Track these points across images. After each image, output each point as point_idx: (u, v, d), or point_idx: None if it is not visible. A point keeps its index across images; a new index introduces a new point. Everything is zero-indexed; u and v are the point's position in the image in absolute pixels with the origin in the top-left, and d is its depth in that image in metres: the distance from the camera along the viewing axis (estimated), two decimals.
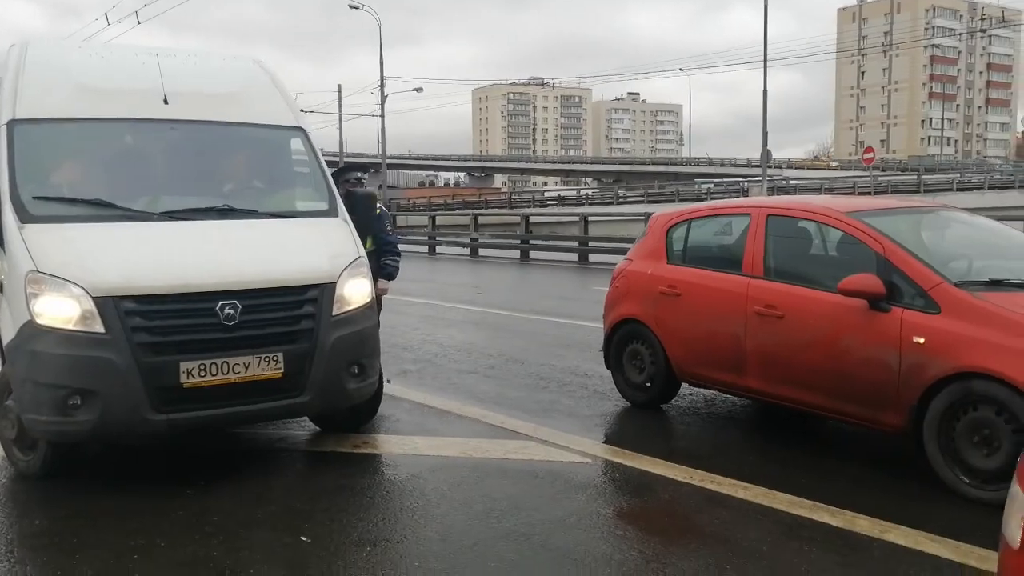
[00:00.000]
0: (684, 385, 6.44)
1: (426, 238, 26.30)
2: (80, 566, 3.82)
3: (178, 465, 5.32)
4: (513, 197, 60.45)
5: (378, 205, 6.73)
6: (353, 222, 5.84)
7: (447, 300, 13.50)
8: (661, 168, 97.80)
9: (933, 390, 4.54)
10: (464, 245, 24.17)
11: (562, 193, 61.80)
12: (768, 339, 5.42)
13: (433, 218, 28.41)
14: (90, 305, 4.52)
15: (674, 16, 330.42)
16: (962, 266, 4.98)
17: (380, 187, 54.79)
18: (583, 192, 61.89)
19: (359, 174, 7.06)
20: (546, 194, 61.39)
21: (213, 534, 4.13)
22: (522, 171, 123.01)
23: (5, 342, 4.87)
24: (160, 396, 4.58)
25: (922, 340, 4.58)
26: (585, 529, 4.17)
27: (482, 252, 23.65)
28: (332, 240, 5.47)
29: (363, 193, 6.29)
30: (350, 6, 50.13)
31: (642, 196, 50.11)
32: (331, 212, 5.74)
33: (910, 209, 6.12)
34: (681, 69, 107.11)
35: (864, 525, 4.15)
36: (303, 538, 4.08)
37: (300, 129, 6.14)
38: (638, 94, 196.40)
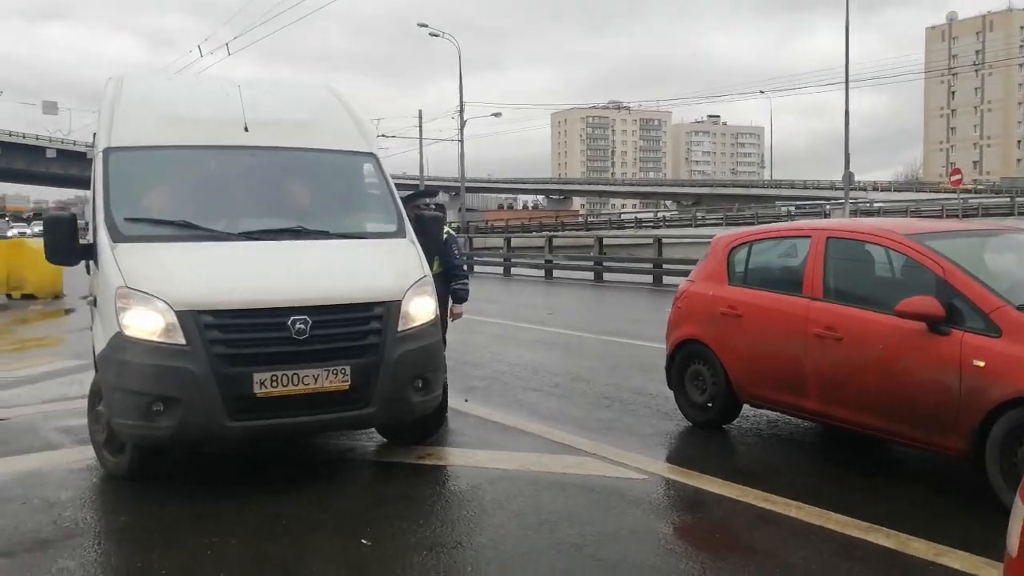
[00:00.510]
0: (749, 407, 6.45)
1: (501, 260, 26.61)
2: (158, 561, 4.09)
3: (254, 471, 5.60)
4: (590, 219, 60.41)
5: (447, 230, 6.97)
6: (421, 244, 6.10)
7: (518, 320, 13.70)
8: (741, 191, 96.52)
9: (994, 414, 4.49)
10: (538, 267, 24.37)
11: (639, 215, 61.64)
12: (827, 361, 5.42)
13: (508, 240, 28.76)
14: (173, 318, 4.84)
15: (756, 38, 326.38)
16: None
17: (460, 209, 55.61)
18: (660, 214, 61.56)
19: (428, 200, 7.32)
20: (623, 216, 61.22)
21: (281, 535, 4.37)
22: (600, 194, 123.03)
23: (97, 352, 5.25)
24: (235, 405, 4.86)
25: (982, 364, 4.53)
26: (636, 542, 4.26)
27: (556, 274, 23.81)
28: (399, 260, 5.71)
29: (430, 216, 6.53)
30: (430, 34, 51.23)
31: (721, 219, 49.59)
32: (399, 233, 5.99)
33: (973, 232, 6.05)
34: (762, 91, 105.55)
35: (919, 547, 4.13)
36: (364, 541, 4.28)
37: (372, 155, 6.43)
38: (719, 116, 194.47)
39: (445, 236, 6.89)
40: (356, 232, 5.96)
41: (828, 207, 47.81)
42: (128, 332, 4.90)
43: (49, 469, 5.65)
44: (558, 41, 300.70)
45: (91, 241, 5.70)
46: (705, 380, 6.44)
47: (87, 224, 6.57)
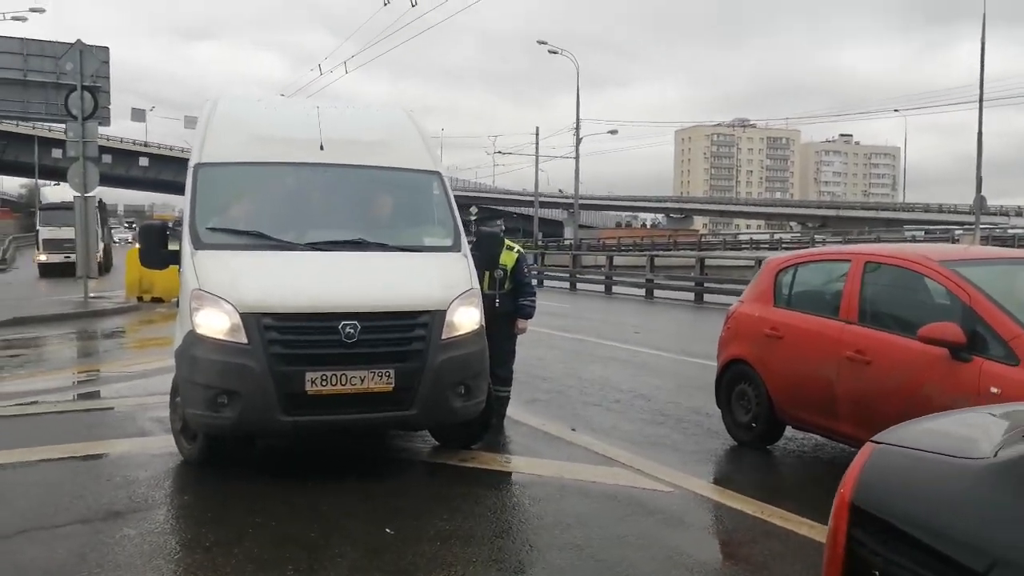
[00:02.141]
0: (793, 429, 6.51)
1: (603, 278, 26.77)
2: (206, 535, 4.62)
3: (310, 464, 6.11)
4: (706, 239, 59.59)
5: (517, 249, 7.32)
6: (476, 258, 6.49)
7: (602, 337, 13.90)
8: (870, 213, 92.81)
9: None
10: (639, 286, 24.41)
11: (754, 237, 60.30)
12: (857, 384, 5.47)
13: (610, 259, 28.87)
14: (237, 319, 5.39)
15: (893, 54, 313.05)
16: None
17: (580, 226, 55.85)
18: (776, 236, 60.05)
19: (498, 221, 7.71)
20: (739, 237, 60.05)
21: (316, 520, 4.82)
22: (722, 213, 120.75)
23: (175, 348, 5.88)
24: (288, 400, 5.35)
25: (998, 391, 4.53)
26: (638, 548, 4.48)
27: (658, 293, 23.78)
28: (449, 272, 6.10)
29: (487, 232, 6.91)
30: (549, 51, 51.92)
31: (840, 242, 47.97)
32: (454, 248, 6.40)
33: (1014, 260, 5.93)
34: (896, 109, 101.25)
35: None
36: (388, 530, 4.68)
37: (436, 173, 6.88)
38: (851, 135, 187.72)
39: (516, 255, 7.25)
40: (413, 245, 6.39)
41: (958, 233, 45.59)
42: (199, 330, 5.48)
43: (136, 453, 6.33)
44: (685, 58, 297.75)
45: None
46: (750, 400, 6.55)
47: None
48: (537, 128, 58.22)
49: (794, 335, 6.12)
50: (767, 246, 51.83)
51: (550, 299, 21.50)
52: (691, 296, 22.47)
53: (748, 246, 53.73)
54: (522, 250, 7.62)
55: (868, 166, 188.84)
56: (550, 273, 30.57)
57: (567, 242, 56.10)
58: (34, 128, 64.37)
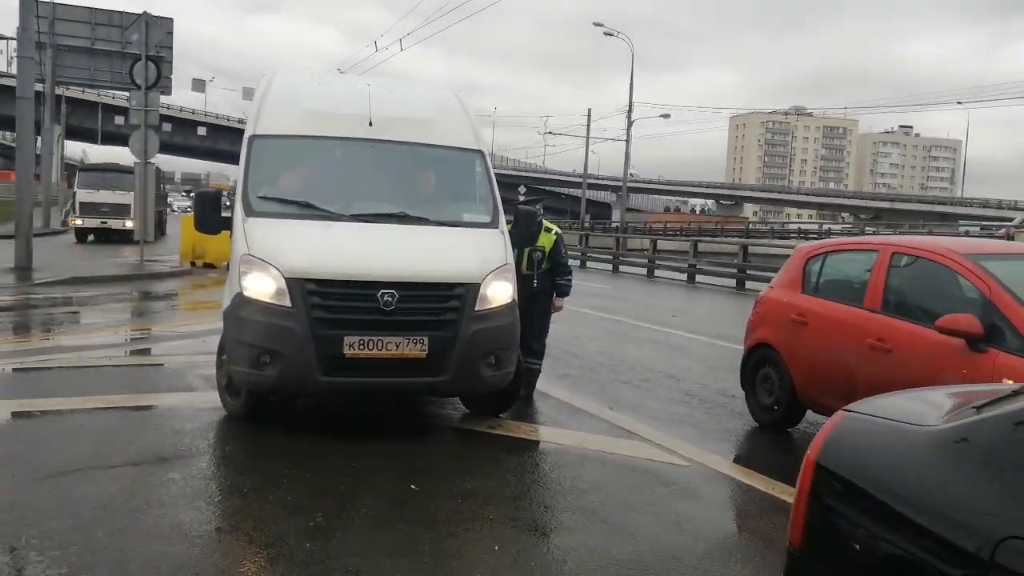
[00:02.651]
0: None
1: (645, 261, 26.82)
2: (243, 482, 4.96)
3: (349, 424, 6.42)
4: (752, 227, 59.01)
5: (555, 230, 7.55)
6: (513, 235, 6.73)
7: (639, 319, 14.05)
8: (925, 207, 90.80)
9: None
10: (681, 270, 24.43)
11: (802, 226, 59.57)
12: (877, 372, 5.59)
13: (654, 243, 28.89)
14: (282, 284, 5.69)
15: (960, 45, 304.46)
16: None
17: (628, 210, 55.68)
18: (826, 227, 59.30)
19: (539, 204, 7.91)
20: (787, 226, 59.37)
21: (348, 474, 5.12)
22: (773, 202, 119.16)
23: (223, 309, 6.21)
24: (327, 362, 5.65)
25: (1010, 383, 4.63)
26: (648, 513, 4.70)
27: (700, 279, 23.79)
28: (485, 247, 6.34)
29: (524, 210, 7.13)
30: (605, 33, 51.70)
31: (889, 234, 47.16)
32: (493, 224, 6.63)
33: None
34: (959, 102, 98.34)
35: None
36: (413, 486, 4.96)
37: (479, 152, 7.10)
38: (911, 127, 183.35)
39: (555, 237, 7.48)
40: (453, 220, 6.63)
41: (1013, 229, 44.55)
42: (247, 293, 5.80)
43: (184, 406, 6.71)
44: (743, 44, 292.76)
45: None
46: (773, 383, 6.70)
47: None
48: (589, 110, 58.10)
49: (819, 321, 6.25)
50: (815, 236, 51.07)
51: (591, 280, 21.66)
52: (733, 283, 22.46)
53: (796, 235, 53.08)
54: (560, 232, 7.83)
55: (927, 159, 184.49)
56: (593, 255, 30.66)
57: (614, 225, 56.02)
58: (99, 95, 66.04)
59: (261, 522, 4.31)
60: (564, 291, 7.67)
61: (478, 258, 6.19)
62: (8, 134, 77.76)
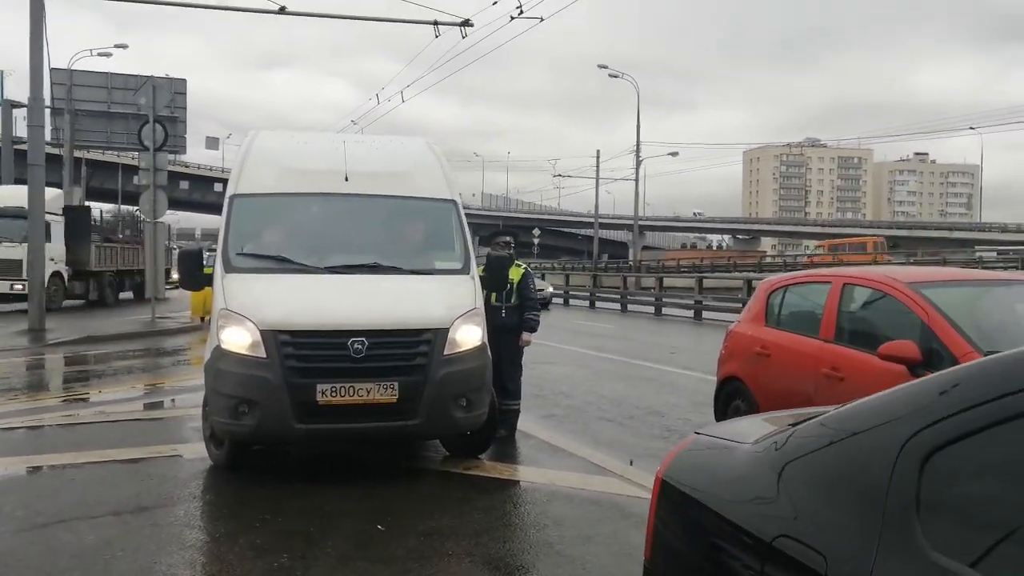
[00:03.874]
0: None
1: (652, 299, 26.98)
2: (219, 528, 5.20)
3: (325, 470, 6.63)
4: (766, 260, 59.05)
5: (524, 268, 7.81)
6: (487, 279, 6.98)
7: (635, 358, 14.21)
8: (944, 233, 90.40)
9: None
10: (688, 307, 24.56)
11: (814, 258, 59.55)
12: (832, 399, 5.70)
13: (660, 280, 29.08)
14: (257, 336, 5.96)
15: (969, 72, 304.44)
16: (1007, 339, 5.06)
17: (643, 248, 55.86)
18: (839, 257, 59.16)
19: (507, 238, 8.21)
20: (798, 259, 59.32)
21: (319, 517, 5.32)
22: (790, 234, 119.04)
23: (204, 362, 6.48)
24: (302, 410, 5.89)
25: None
26: (603, 545, 4.87)
27: (707, 315, 23.90)
28: (455, 293, 6.59)
29: (495, 256, 7.40)
30: (610, 75, 52.39)
31: (904, 263, 47.02)
32: (464, 271, 6.89)
33: (985, 282, 6.13)
34: (972, 127, 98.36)
35: None
36: (380, 527, 5.15)
37: (452, 202, 7.39)
38: (926, 154, 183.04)
39: (523, 271, 7.74)
40: (425, 268, 6.90)
41: None
42: (224, 345, 6.07)
43: (171, 457, 6.97)
44: (752, 80, 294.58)
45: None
46: (742, 415, 6.84)
47: None
48: (598, 151, 58.58)
49: (780, 353, 6.42)
50: (827, 266, 50.89)
51: (598, 320, 21.86)
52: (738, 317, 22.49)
53: (807, 267, 52.79)
54: (527, 267, 8.09)
55: (945, 185, 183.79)
56: (602, 295, 30.85)
57: (628, 263, 56.26)
58: (118, 156, 67.57)
59: (228, 565, 4.52)
60: (531, 326, 7.87)
61: (447, 304, 6.43)
62: None
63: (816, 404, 5.88)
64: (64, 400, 10.26)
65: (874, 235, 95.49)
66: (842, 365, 5.71)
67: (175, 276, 26.57)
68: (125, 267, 27.55)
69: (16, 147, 40.63)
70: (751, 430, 2.31)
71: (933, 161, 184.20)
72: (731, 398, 7.04)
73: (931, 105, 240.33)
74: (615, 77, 52.69)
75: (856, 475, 1.74)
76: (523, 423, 7.96)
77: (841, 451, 1.85)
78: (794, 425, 2.11)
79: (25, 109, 20.95)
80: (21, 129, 43.44)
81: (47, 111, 21.83)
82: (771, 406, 6.46)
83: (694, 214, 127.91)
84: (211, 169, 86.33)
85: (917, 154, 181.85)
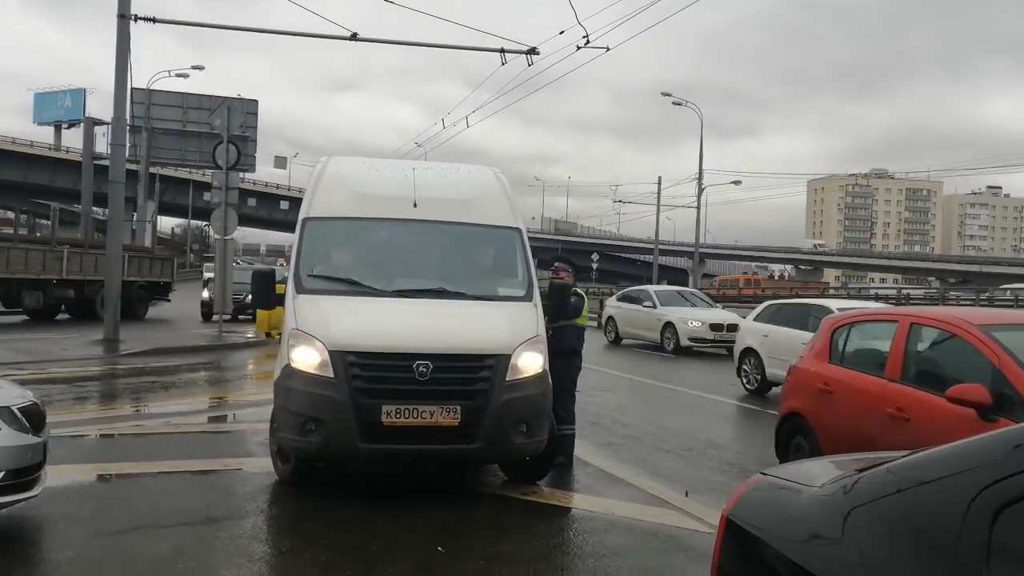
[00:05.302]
0: None
1: None
2: (283, 541, 5.36)
3: (385, 489, 6.76)
4: (829, 292, 57.91)
5: (577, 291, 7.89)
6: (548, 306, 7.08)
7: (694, 387, 14.10)
8: (1017, 270, 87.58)
9: None
10: None
11: (878, 291, 58.23)
12: (896, 442, 5.64)
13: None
14: (326, 356, 6.13)
15: None
16: None
17: (704, 275, 55.44)
18: (904, 291, 57.79)
19: (565, 265, 8.29)
20: (862, 292, 58.00)
21: (381, 535, 5.45)
22: (854, 266, 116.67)
23: (274, 379, 6.68)
24: (366, 430, 6.03)
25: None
26: None
27: None
28: (517, 320, 6.68)
29: (557, 284, 7.49)
30: (673, 103, 52.29)
31: (972, 300, 45.71)
32: (526, 298, 6.99)
33: None
34: None
35: None
36: (440, 548, 5.25)
37: (517, 229, 7.51)
38: (1000, 188, 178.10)
39: (573, 298, 7.81)
40: (488, 295, 7.01)
41: None
42: (293, 364, 6.26)
43: (239, 470, 7.17)
44: (818, 108, 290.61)
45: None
46: (804, 452, 6.78)
47: None
48: (659, 178, 58.36)
49: (843, 390, 6.37)
50: (893, 301, 49.69)
51: (652, 347, 21.70)
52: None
53: (873, 301, 51.56)
54: (584, 295, 8.16)
55: (1019, 219, 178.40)
56: None
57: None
58: (191, 173, 69.75)
59: None
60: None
61: (510, 330, 6.53)
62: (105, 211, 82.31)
63: (880, 444, 5.83)
64: (136, 409, 10.62)
65: (943, 269, 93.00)
66: (908, 406, 5.65)
67: (205, 294, 25.88)
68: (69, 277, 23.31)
69: (96, 162, 42.32)
70: (817, 473, 2.34)
71: (1007, 195, 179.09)
72: (792, 434, 6.99)
73: (1004, 138, 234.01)
74: (678, 105, 52.57)
75: (924, 525, 1.78)
76: (581, 451, 7.99)
77: (909, 499, 1.88)
78: (861, 471, 2.14)
79: (105, 126, 21.75)
80: (100, 145, 45.24)
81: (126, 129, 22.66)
82: (833, 444, 6.41)
83: (815, 246, 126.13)
84: (278, 187, 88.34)
85: (990, 187, 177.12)
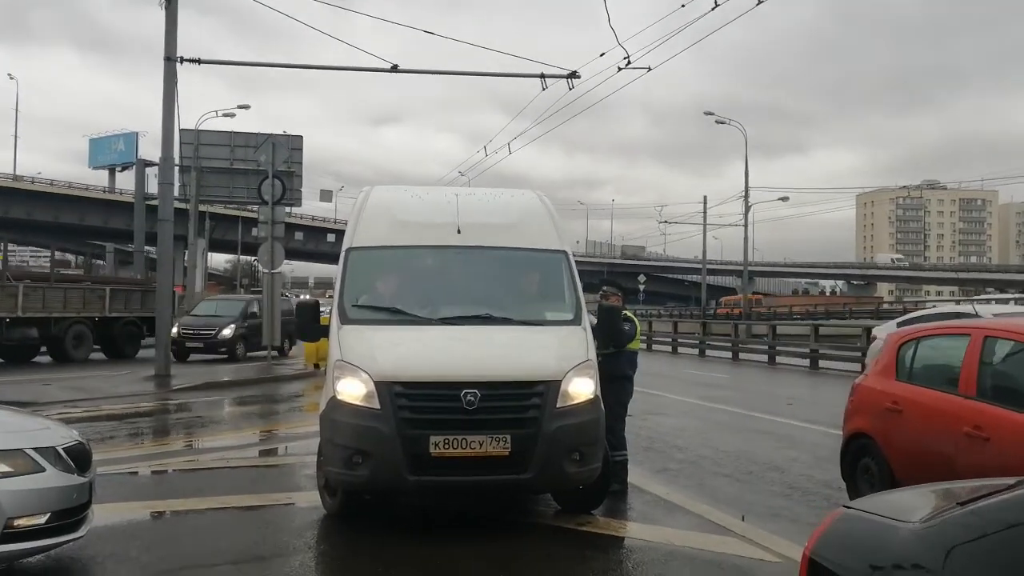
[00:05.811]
0: None
1: (766, 347, 26.13)
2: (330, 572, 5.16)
3: (435, 522, 6.57)
4: (884, 307, 56.60)
5: (626, 314, 7.65)
6: (596, 329, 6.86)
7: (751, 409, 13.71)
8: None
9: None
10: (803, 356, 23.67)
11: (937, 303, 56.70)
12: (976, 461, 5.33)
13: (773, 328, 28.13)
14: (372, 387, 5.98)
15: None
16: None
17: (752, 294, 54.53)
18: (961, 303, 56.27)
19: (614, 288, 8.07)
20: (918, 305, 56.48)
21: (432, 570, 5.27)
22: (907, 279, 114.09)
23: (320, 411, 6.56)
24: (414, 461, 5.85)
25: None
26: None
27: (823, 364, 22.95)
28: (566, 345, 6.48)
29: (607, 306, 7.27)
30: (716, 121, 51.86)
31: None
32: (575, 322, 6.78)
33: None
34: None
35: None
36: None
37: (563, 252, 7.32)
38: None
39: (626, 325, 7.58)
40: (536, 320, 6.82)
41: None
42: (339, 396, 6.13)
43: (287, 505, 7.06)
44: (865, 122, 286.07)
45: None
46: (873, 474, 6.45)
47: None
48: (705, 197, 57.98)
49: (914, 409, 6.04)
50: (953, 314, 48.19)
51: (709, 370, 21.31)
52: (857, 367, 21.54)
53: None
54: (634, 317, 7.91)
55: None
56: (712, 342, 30.18)
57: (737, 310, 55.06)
58: (239, 210, 70.94)
59: None
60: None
61: (558, 355, 6.33)
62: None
63: (958, 464, 5.50)
64: (186, 444, 10.61)
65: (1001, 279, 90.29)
66: (986, 424, 5.31)
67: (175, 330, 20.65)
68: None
69: (147, 202, 43.24)
70: (909, 505, 2.10)
71: None
72: (859, 455, 6.65)
73: None
74: (721, 123, 52.13)
75: None
76: (636, 477, 7.73)
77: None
78: (963, 504, 1.90)
79: (155, 167, 22.16)
80: (152, 186, 46.29)
81: (175, 169, 23.06)
82: (907, 465, 6.08)
83: (892, 260, 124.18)
84: (324, 220, 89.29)
85: None
